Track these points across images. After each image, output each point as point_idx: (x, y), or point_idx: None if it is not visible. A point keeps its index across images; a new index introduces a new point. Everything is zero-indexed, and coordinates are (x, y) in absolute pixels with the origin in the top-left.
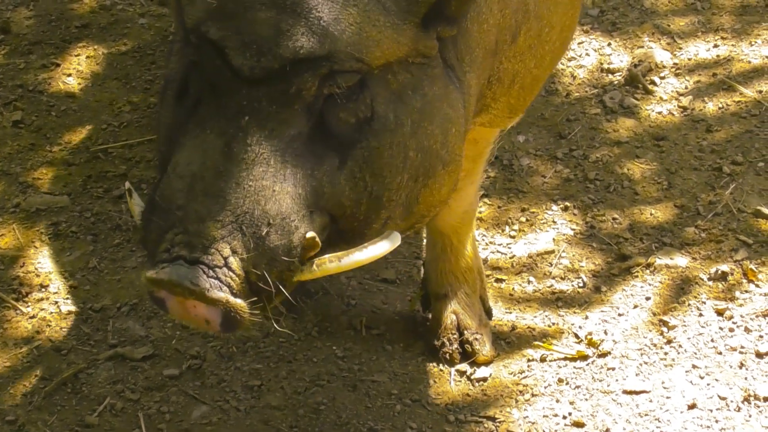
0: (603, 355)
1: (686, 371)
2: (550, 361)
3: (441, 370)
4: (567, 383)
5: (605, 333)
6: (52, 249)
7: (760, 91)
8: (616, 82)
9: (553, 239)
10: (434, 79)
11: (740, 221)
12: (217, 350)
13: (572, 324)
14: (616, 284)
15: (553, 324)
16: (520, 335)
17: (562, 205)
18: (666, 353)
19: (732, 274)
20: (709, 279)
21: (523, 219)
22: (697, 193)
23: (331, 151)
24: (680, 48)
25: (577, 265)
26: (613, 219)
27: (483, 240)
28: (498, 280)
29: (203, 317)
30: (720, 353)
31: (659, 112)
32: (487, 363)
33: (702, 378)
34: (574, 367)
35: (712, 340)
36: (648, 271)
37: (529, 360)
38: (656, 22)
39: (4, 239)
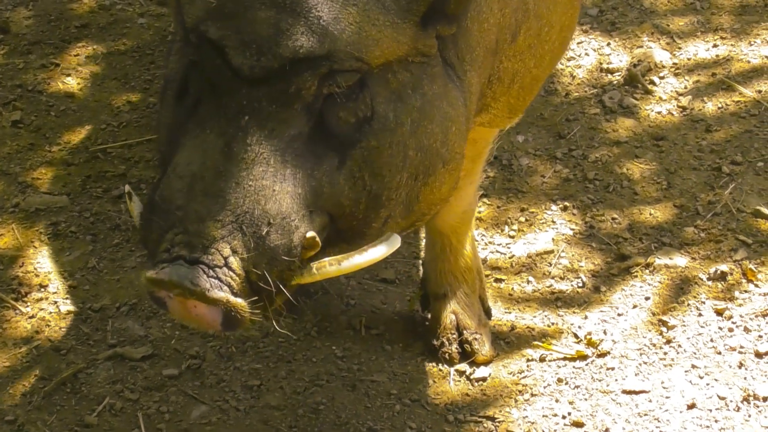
0: (602, 355)
1: (686, 371)
2: (550, 361)
3: (440, 370)
4: (566, 383)
5: (604, 333)
6: (51, 249)
7: (760, 91)
8: (615, 82)
9: (553, 239)
10: (434, 78)
11: (739, 221)
12: (216, 350)
13: (571, 324)
14: (616, 284)
15: (553, 324)
16: (520, 335)
17: (561, 205)
18: (665, 353)
19: (731, 274)
20: (709, 279)
21: (522, 219)
22: (696, 193)
23: (331, 151)
24: (679, 48)
25: (576, 265)
26: (613, 219)
27: (482, 240)
28: (497, 280)
29: (204, 317)
30: (719, 353)
31: (658, 112)
32: (486, 363)
33: (701, 378)
34: (574, 367)
35: (712, 340)
36: (647, 271)
37: (528, 360)
38: (655, 21)
39: (4, 239)
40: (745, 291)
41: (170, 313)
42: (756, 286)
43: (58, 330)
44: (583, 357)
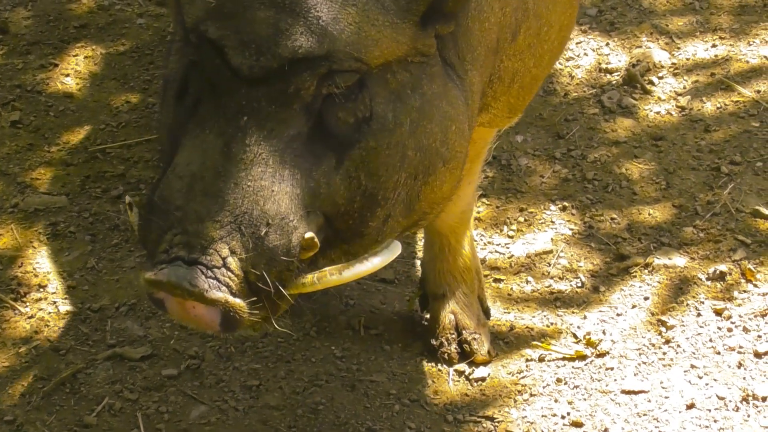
0: (601, 355)
1: (685, 371)
2: (549, 361)
3: (439, 370)
4: (565, 383)
5: (604, 333)
6: (50, 249)
7: (759, 91)
8: (614, 82)
9: (552, 239)
10: (433, 78)
11: (738, 221)
12: (215, 350)
13: (571, 324)
14: (615, 284)
15: (552, 324)
16: (519, 335)
17: (560, 205)
18: (664, 353)
19: (730, 274)
20: (708, 279)
21: (521, 219)
22: (695, 193)
23: (329, 151)
24: (678, 48)
25: (575, 265)
26: (612, 219)
27: (481, 240)
28: (496, 280)
29: (202, 318)
30: (718, 353)
31: (657, 112)
32: (485, 363)
33: (700, 378)
34: (573, 367)
35: (711, 340)
36: (646, 271)
37: (527, 360)
38: (654, 21)
39: (3, 239)
40: (744, 291)
41: (169, 314)
42: (755, 286)
43: (57, 330)
44: (582, 357)
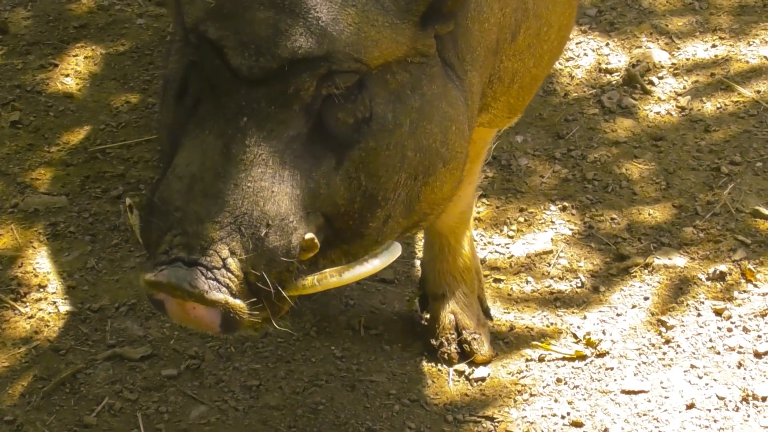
0: (601, 355)
1: (684, 371)
2: (549, 361)
3: (439, 370)
4: (565, 383)
5: (603, 333)
6: (50, 249)
7: (758, 91)
8: (614, 82)
9: (552, 239)
10: (433, 78)
11: (738, 221)
12: (215, 350)
13: (570, 324)
14: (615, 284)
15: (552, 324)
16: (519, 335)
17: (560, 205)
18: (664, 353)
19: (730, 274)
20: (708, 279)
21: (521, 219)
22: (695, 193)
23: (329, 152)
24: (678, 48)
25: (575, 265)
26: (612, 219)
27: (481, 240)
28: (496, 280)
29: (203, 319)
30: (718, 353)
31: (657, 112)
32: (485, 363)
33: (700, 378)
34: (573, 367)
35: (711, 340)
36: (646, 271)
37: (527, 360)
38: (654, 22)
39: (3, 239)
40: (744, 291)
41: (169, 316)
42: (755, 286)
43: (57, 330)
44: (582, 357)
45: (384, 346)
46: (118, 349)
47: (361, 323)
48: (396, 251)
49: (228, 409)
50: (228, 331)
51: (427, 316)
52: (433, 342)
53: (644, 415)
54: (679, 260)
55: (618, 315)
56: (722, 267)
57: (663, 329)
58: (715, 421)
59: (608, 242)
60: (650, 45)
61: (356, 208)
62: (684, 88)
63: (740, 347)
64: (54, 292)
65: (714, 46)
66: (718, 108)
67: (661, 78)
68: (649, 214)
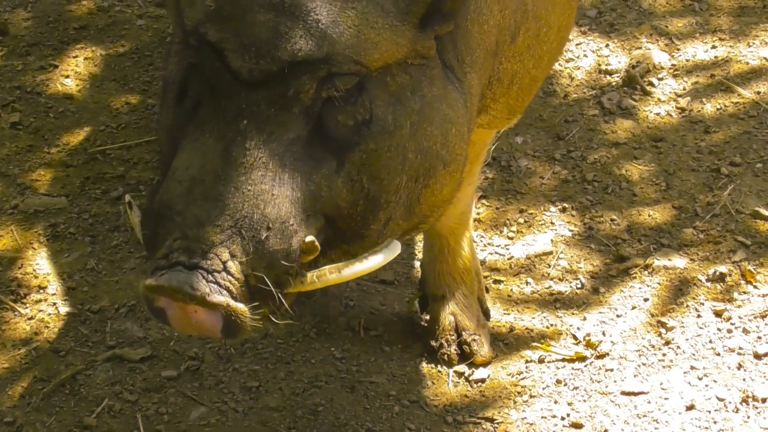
0: (601, 356)
1: (684, 372)
2: (549, 362)
3: (439, 372)
4: (565, 384)
5: (603, 334)
6: (50, 250)
7: (758, 93)
8: (614, 84)
9: (552, 240)
10: (433, 80)
11: (738, 222)
12: (215, 352)
13: (570, 325)
14: (615, 285)
15: (552, 325)
16: (519, 336)
17: (560, 207)
18: (664, 354)
19: (730, 276)
20: (708, 280)
21: (521, 220)
22: (695, 195)
23: (329, 154)
24: (678, 49)
25: (575, 267)
26: (612, 220)
27: (481, 241)
28: (496, 282)
29: (204, 323)
30: (718, 354)
31: (657, 114)
32: (485, 364)
33: (700, 379)
34: (573, 369)
35: (711, 342)
36: (646, 272)
37: (527, 361)
38: (654, 23)
39: (2, 241)
40: (744, 292)
41: (170, 323)
42: (755, 287)
43: (57, 331)
44: (582, 358)
45: (384, 347)
46: (118, 350)
47: (360, 324)
48: (395, 249)
49: (228, 410)
50: (229, 336)
51: (427, 317)
52: (433, 343)
53: (644, 416)
54: (679, 261)
55: (618, 316)
56: (722, 268)
57: (663, 330)
58: (714, 422)
59: (608, 243)
60: (650, 46)
61: (359, 211)
62: (684, 89)
63: (740, 348)
64: (54, 294)
65: (714, 47)
66: (718, 109)
67: (661, 79)
68: (649, 216)
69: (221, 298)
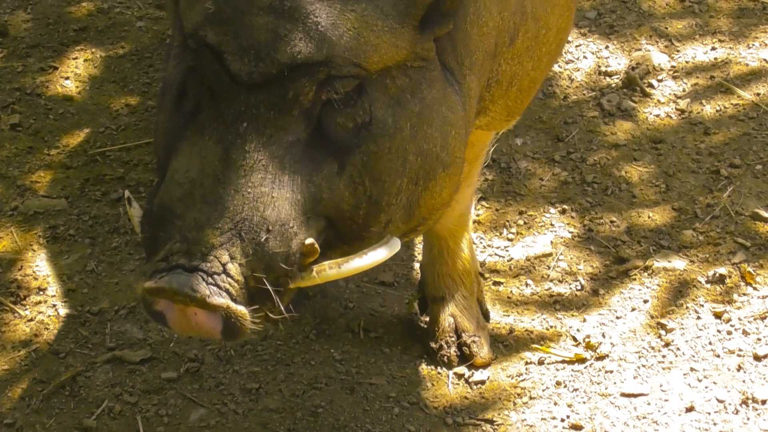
0: (601, 358)
1: (684, 374)
2: (548, 364)
3: (439, 373)
4: (565, 386)
5: (603, 336)
6: (49, 252)
7: (758, 94)
8: (613, 85)
9: (551, 242)
10: (432, 83)
11: (738, 224)
12: (215, 353)
13: (570, 327)
14: (614, 287)
15: (551, 327)
16: (518, 338)
17: (559, 208)
18: (664, 356)
19: (730, 277)
20: (707, 282)
21: (520, 222)
22: (694, 196)
23: (329, 157)
24: (678, 51)
25: (574, 268)
26: (611, 222)
27: (481, 243)
28: (496, 283)
29: (204, 325)
30: (718, 356)
31: (657, 115)
32: (484, 366)
33: (700, 381)
34: (572, 370)
35: (710, 343)
36: (646, 274)
37: (527, 363)
38: (654, 24)
39: (2, 242)
40: (744, 294)
41: (170, 325)
42: (754, 289)
43: (57, 333)
44: (582, 360)
45: (383, 348)
46: (118, 352)
47: (360, 326)
48: (395, 246)
49: (228, 412)
50: (229, 337)
51: (427, 319)
52: (433, 345)
53: (644, 418)
54: (679, 263)
55: (617, 318)
56: (722, 270)
57: (662, 332)
58: (714, 424)
59: (608, 245)
60: (650, 48)
61: (361, 213)
62: (683, 90)
63: (740, 350)
64: (53, 295)
65: (713, 48)
66: (717, 111)
67: (660, 81)
68: (649, 217)
69: (221, 300)
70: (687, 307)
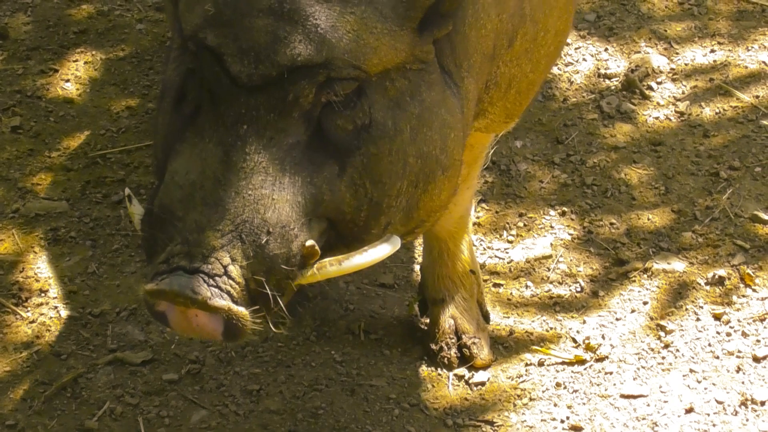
0: (601, 359)
1: (683, 375)
2: (548, 365)
3: (439, 375)
4: (565, 387)
5: (603, 337)
6: (51, 254)
7: (757, 96)
8: (613, 87)
9: (551, 244)
10: (432, 85)
11: (737, 226)
12: (215, 355)
13: (570, 328)
14: (614, 289)
15: (551, 328)
16: (518, 340)
17: (559, 210)
18: (663, 357)
19: (729, 279)
20: (707, 283)
21: (520, 224)
22: (694, 198)
23: (330, 159)
24: (677, 53)
25: (574, 270)
26: (611, 224)
27: (481, 245)
28: (496, 285)
29: (205, 327)
30: (717, 357)
31: (656, 117)
32: (485, 367)
33: (699, 382)
34: (572, 372)
35: (710, 345)
36: (645, 275)
37: (527, 364)
38: (653, 27)
39: (4, 244)
40: (743, 295)
41: (171, 326)
42: (754, 290)
43: (58, 335)
44: (582, 361)
45: (384, 350)
46: (119, 353)
47: (360, 328)
48: (395, 244)
49: (228, 413)
50: (230, 339)
51: (427, 320)
52: (433, 346)
53: (643, 419)
54: (678, 265)
55: (617, 319)
56: (721, 272)
57: (662, 334)
58: (713, 425)
59: (607, 247)
60: (649, 50)
61: (362, 215)
62: (683, 93)
63: (739, 352)
64: (55, 297)
65: (713, 51)
66: (716, 113)
67: (659, 83)
68: (648, 219)
69: (222, 301)
70: (686, 309)
